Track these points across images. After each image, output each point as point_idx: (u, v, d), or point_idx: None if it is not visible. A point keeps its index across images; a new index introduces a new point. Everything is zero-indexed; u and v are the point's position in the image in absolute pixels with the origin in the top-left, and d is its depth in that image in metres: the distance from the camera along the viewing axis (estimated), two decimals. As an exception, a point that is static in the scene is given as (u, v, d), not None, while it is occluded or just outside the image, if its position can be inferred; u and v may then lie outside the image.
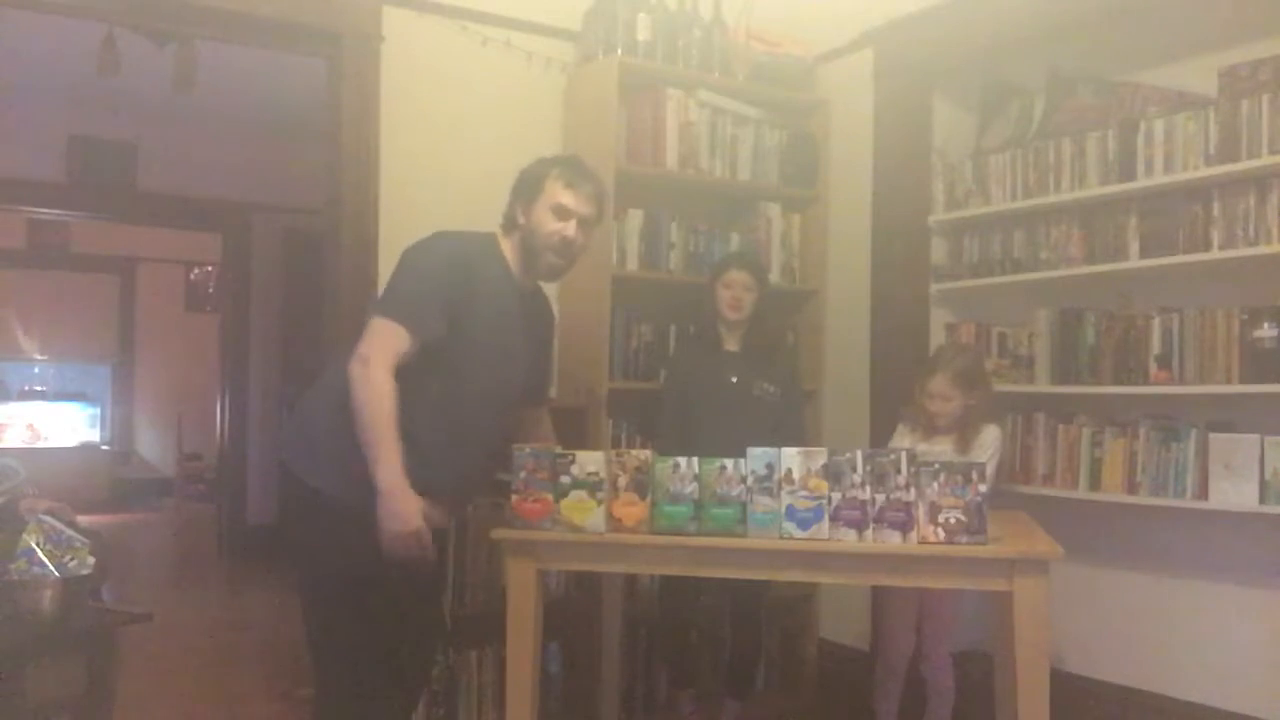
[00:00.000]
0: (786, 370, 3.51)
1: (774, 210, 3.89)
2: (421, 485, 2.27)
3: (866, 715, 3.38)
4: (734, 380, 3.34)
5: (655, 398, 3.51)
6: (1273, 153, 2.84)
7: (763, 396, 3.35)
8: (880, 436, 3.44)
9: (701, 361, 3.41)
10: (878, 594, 3.43)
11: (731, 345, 3.39)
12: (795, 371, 3.61)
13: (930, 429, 3.10)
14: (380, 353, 2.26)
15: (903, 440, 3.12)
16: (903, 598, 3.18)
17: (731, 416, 3.26)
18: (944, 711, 3.19)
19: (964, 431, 3.06)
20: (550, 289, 3.60)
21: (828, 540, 2.28)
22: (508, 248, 2.54)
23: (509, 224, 2.55)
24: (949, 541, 2.24)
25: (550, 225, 2.48)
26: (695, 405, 3.33)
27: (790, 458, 2.31)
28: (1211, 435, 2.96)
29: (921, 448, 2.96)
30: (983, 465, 2.31)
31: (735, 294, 3.32)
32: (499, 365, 2.48)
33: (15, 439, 9.32)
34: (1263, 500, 2.85)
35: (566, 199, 2.48)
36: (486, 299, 2.43)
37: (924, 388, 3.09)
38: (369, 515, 2.22)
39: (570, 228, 2.49)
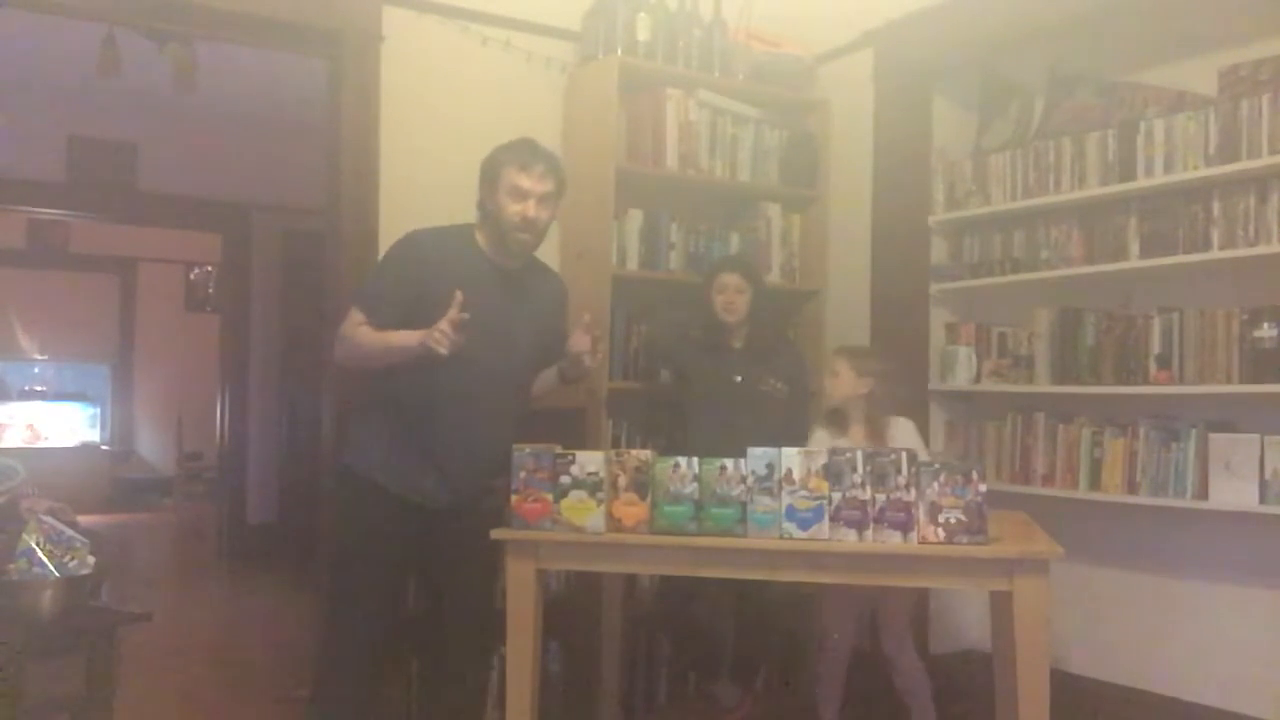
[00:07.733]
0: (793, 366, 3.49)
1: (774, 210, 3.89)
2: (427, 457, 2.65)
3: (866, 716, 3.37)
4: (738, 380, 3.33)
5: (655, 398, 3.50)
6: (1273, 153, 2.84)
7: (770, 392, 3.34)
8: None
9: (704, 361, 3.40)
10: (820, 591, 3.30)
11: (735, 343, 3.39)
12: (802, 368, 3.57)
13: (843, 425, 3.13)
14: (349, 327, 2.68)
15: (821, 440, 3.09)
16: (844, 594, 3.12)
17: (737, 415, 3.24)
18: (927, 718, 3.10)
19: (871, 424, 3.09)
20: (551, 289, 3.63)
21: (828, 540, 2.29)
22: (482, 235, 2.76)
23: (482, 213, 2.77)
24: (949, 541, 2.24)
25: (511, 207, 2.68)
26: (699, 405, 3.32)
27: (790, 458, 2.31)
28: (1211, 435, 2.96)
29: (841, 442, 2.98)
30: (981, 465, 2.32)
31: (728, 297, 3.34)
32: (480, 342, 2.57)
33: (15, 439, 9.33)
34: (1263, 500, 2.85)
35: (521, 180, 2.68)
36: (455, 285, 2.55)
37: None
38: (386, 489, 2.64)
39: (530, 207, 2.68)
